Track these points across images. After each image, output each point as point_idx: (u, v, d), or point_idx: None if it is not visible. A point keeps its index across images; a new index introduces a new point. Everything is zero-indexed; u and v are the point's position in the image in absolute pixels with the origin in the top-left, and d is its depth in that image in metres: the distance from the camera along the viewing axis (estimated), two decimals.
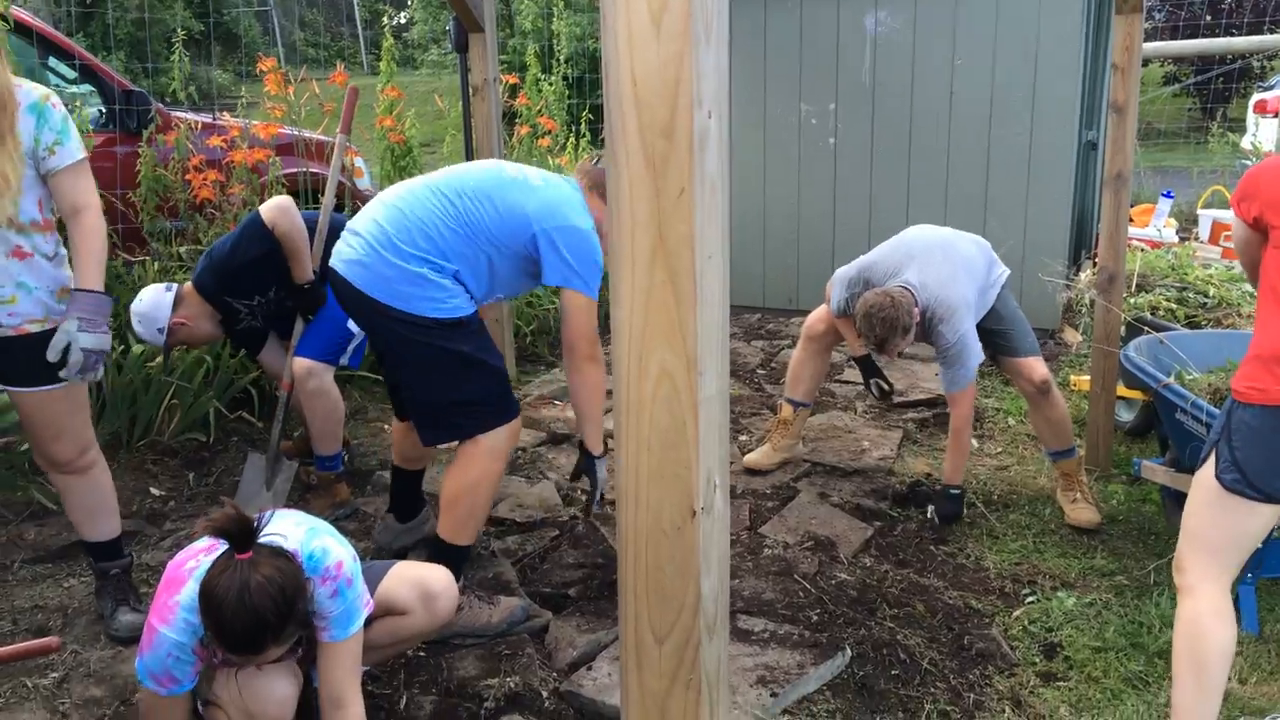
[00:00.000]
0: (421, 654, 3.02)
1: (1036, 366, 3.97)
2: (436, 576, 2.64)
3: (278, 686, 2.28)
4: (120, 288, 4.46)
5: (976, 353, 3.82)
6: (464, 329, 2.93)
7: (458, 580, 3.01)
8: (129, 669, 2.91)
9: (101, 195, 4.39)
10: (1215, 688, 2.36)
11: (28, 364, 2.81)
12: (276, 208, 3.72)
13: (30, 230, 2.79)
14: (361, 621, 2.31)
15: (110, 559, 3.16)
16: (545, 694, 2.85)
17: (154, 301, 3.77)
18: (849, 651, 3.03)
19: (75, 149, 2.80)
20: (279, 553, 2.10)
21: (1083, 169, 6.60)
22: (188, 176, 4.74)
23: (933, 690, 2.91)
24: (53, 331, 2.80)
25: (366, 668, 2.67)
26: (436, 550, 3.08)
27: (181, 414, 4.34)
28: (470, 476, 2.98)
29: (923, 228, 4.18)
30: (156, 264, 4.60)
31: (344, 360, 3.97)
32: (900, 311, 3.68)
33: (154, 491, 4.09)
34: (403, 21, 29.93)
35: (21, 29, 4.57)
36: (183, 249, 4.73)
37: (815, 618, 3.22)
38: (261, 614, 1.99)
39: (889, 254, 4.03)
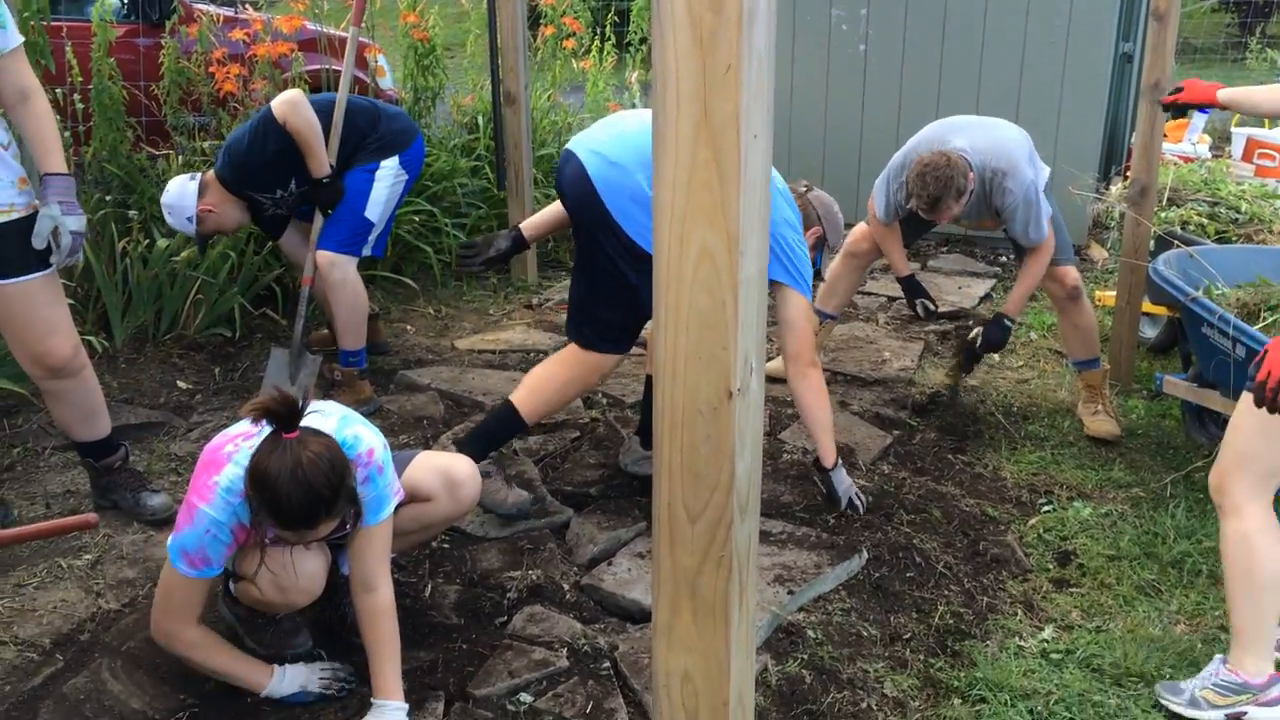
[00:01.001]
0: (445, 546, 3.09)
1: (1070, 271, 3.95)
2: (460, 465, 2.68)
3: (308, 562, 2.34)
4: (144, 181, 4.45)
5: (1045, 207, 3.78)
6: (648, 265, 2.94)
7: (491, 449, 3.16)
8: (160, 552, 2.98)
9: (124, 87, 4.40)
10: (1272, 606, 2.36)
11: (3, 254, 2.75)
12: (287, 103, 3.69)
13: None
14: (392, 508, 2.35)
15: (111, 453, 3.17)
16: (566, 587, 2.91)
17: (180, 191, 3.77)
18: (865, 554, 3.08)
19: (14, 34, 2.73)
20: (321, 433, 2.14)
21: (1117, 82, 6.45)
22: (211, 70, 4.69)
23: (946, 592, 2.95)
24: (21, 220, 2.76)
25: (393, 555, 2.73)
26: (498, 410, 3.20)
27: (207, 309, 4.37)
28: (567, 373, 3.11)
29: (958, 116, 4.13)
30: (180, 158, 4.58)
31: (366, 250, 3.97)
32: (955, 171, 3.63)
33: (180, 385, 4.13)
34: None
35: None
36: (206, 144, 4.70)
37: (832, 521, 3.26)
38: (315, 488, 2.03)
39: (929, 135, 3.96)
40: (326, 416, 2.28)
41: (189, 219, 3.77)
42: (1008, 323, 4.00)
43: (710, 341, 1.20)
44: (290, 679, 2.37)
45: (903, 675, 2.61)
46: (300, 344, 3.99)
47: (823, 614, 2.83)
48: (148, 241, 4.24)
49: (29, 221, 2.76)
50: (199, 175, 3.83)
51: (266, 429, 2.12)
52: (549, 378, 3.13)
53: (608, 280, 3.01)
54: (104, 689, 2.41)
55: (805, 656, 2.62)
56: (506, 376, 4.40)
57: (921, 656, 2.69)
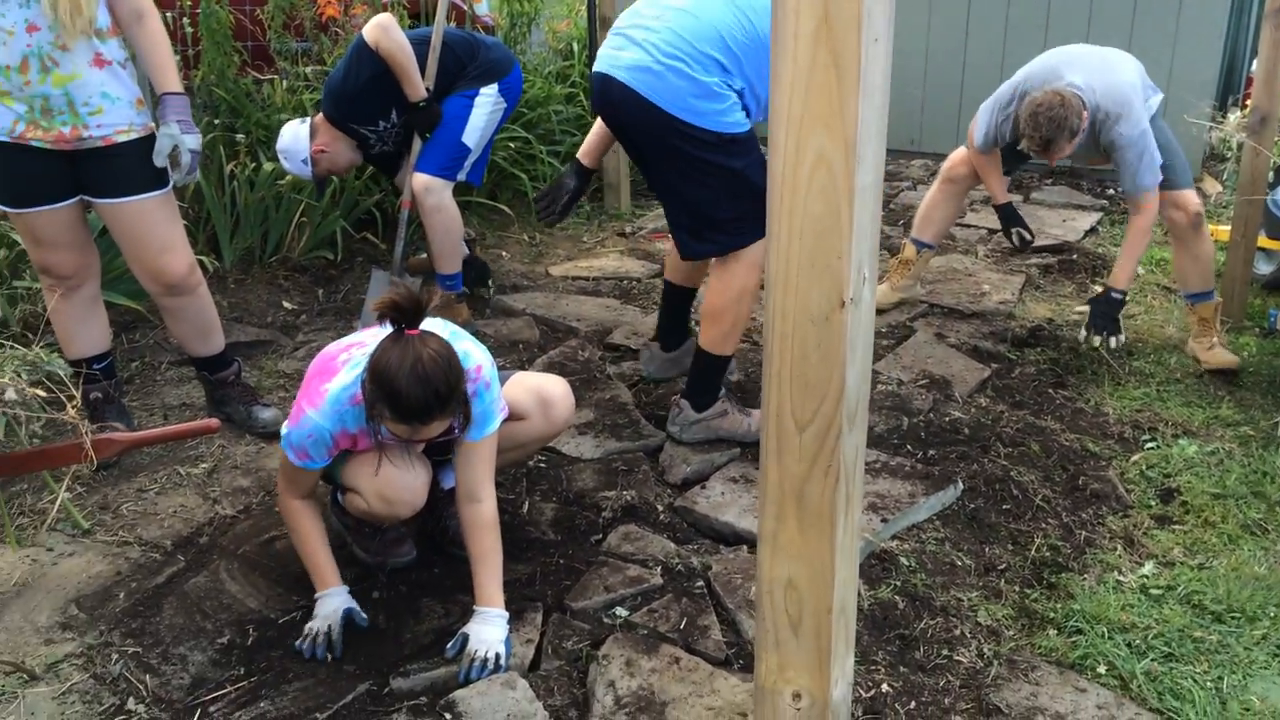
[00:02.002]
0: (542, 465, 3.15)
1: (1191, 198, 3.81)
2: (554, 385, 2.72)
3: (413, 473, 2.41)
4: (251, 105, 4.54)
5: (1157, 154, 3.66)
6: (742, 145, 2.93)
7: (718, 390, 3.19)
8: (272, 464, 3.10)
9: (231, 11, 4.47)
10: None
11: (123, 173, 2.85)
12: (377, 26, 3.71)
13: (107, 36, 2.79)
14: (497, 424, 2.42)
15: (225, 368, 3.29)
16: (660, 508, 2.95)
17: (293, 135, 3.85)
18: (961, 485, 3.05)
19: None
20: (439, 335, 2.21)
21: (1237, 6, 6.14)
22: None
23: (1044, 526, 2.92)
24: (139, 140, 2.85)
25: None
26: (699, 360, 3.19)
27: (310, 232, 4.47)
28: (733, 289, 3.05)
29: (1071, 45, 3.98)
30: (284, 82, 4.66)
31: (461, 176, 4.01)
32: (1070, 111, 3.53)
33: (286, 305, 4.25)
34: None
35: None
36: (308, 69, 4.77)
37: (927, 452, 3.23)
38: (434, 383, 2.09)
39: (1041, 67, 3.83)
40: (439, 330, 2.34)
41: (304, 161, 3.85)
42: (1115, 295, 3.85)
43: (824, 250, 1.19)
44: (322, 606, 2.38)
45: (997, 605, 2.60)
46: (400, 265, 4.06)
47: (916, 543, 2.82)
48: (254, 165, 4.34)
49: (147, 142, 2.86)
50: (309, 119, 3.90)
51: (381, 338, 2.18)
52: (719, 306, 3.09)
53: (711, 179, 2.93)
54: (222, 588, 2.53)
55: (898, 583, 2.62)
56: (600, 303, 4.43)
57: (1017, 587, 2.67)
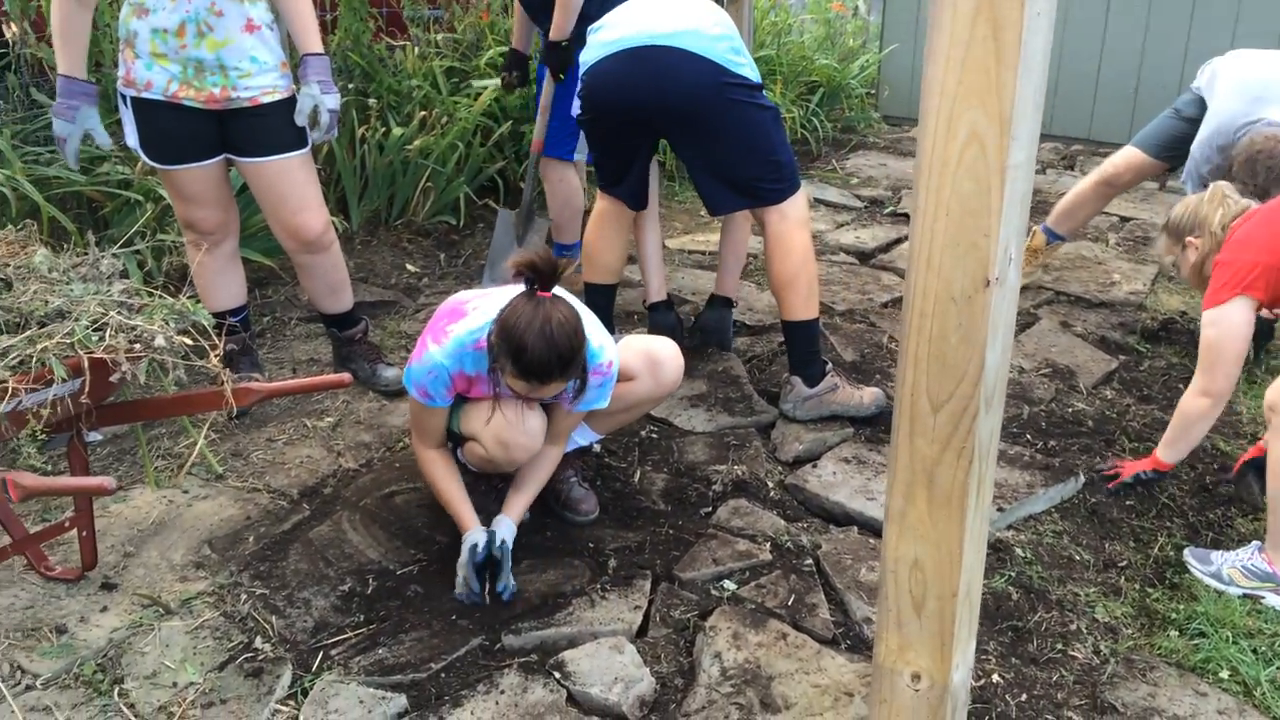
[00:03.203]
0: (654, 436, 3.17)
1: None
2: (663, 345, 2.74)
3: (531, 418, 2.47)
4: (383, 70, 4.64)
5: None
6: (764, 94, 3.08)
7: (819, 361, 3.20)
8: (394, 420, 3.19)
9: None
10: None
11: (267, 133, 2.95)
12: None
13: (256, 0, 2.88)
14: (599, 406, 2.54)
15: (353, 326, 3.38)
16: (770, 484, 2.94)
17: None
18: (1081, 477, 2.98)
19: None
20: (569, 302, 2.26)
21: None
22: None
23: (1168, 524, 2.83)
24: (283, 102, 2.95)
25: (600, 436, 2.83)
26: (792, 332, 3.20)
27: (435, 197, 4.56)
28: (797, 251, 3.09)
29: (1245, 58, 3.75)
30: (415, 49, 4.75)
31: (580, 156, 4.03)
32: None
33: (409, 268, 4.35)
34: None
35: None
36: (439, 36, 4.85)
37: (1048, 443, 3.16)
38: (558, 346, 2.15)
39: (1229, 101, 3.62)
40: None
41: None
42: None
43: (970, 228, 1.17)
44: (469, 537, 2.45)
45: (1116, 602, 2.53)
46: (529, 206, 4.10)
47: (1033, 534, 2.76)
48: (384, 129, 4.44)
49: (289, 103, 2.96)
50: None
51: (513, 292, 2.25)
52: (790, 272, 3.10)
53: (761, 125, 3.02)
54: (344, 538, 2.62)
55: (1013, 574, 2.57)
56: (711, 277, 4.42)
57: (1137, 585, 2.60)
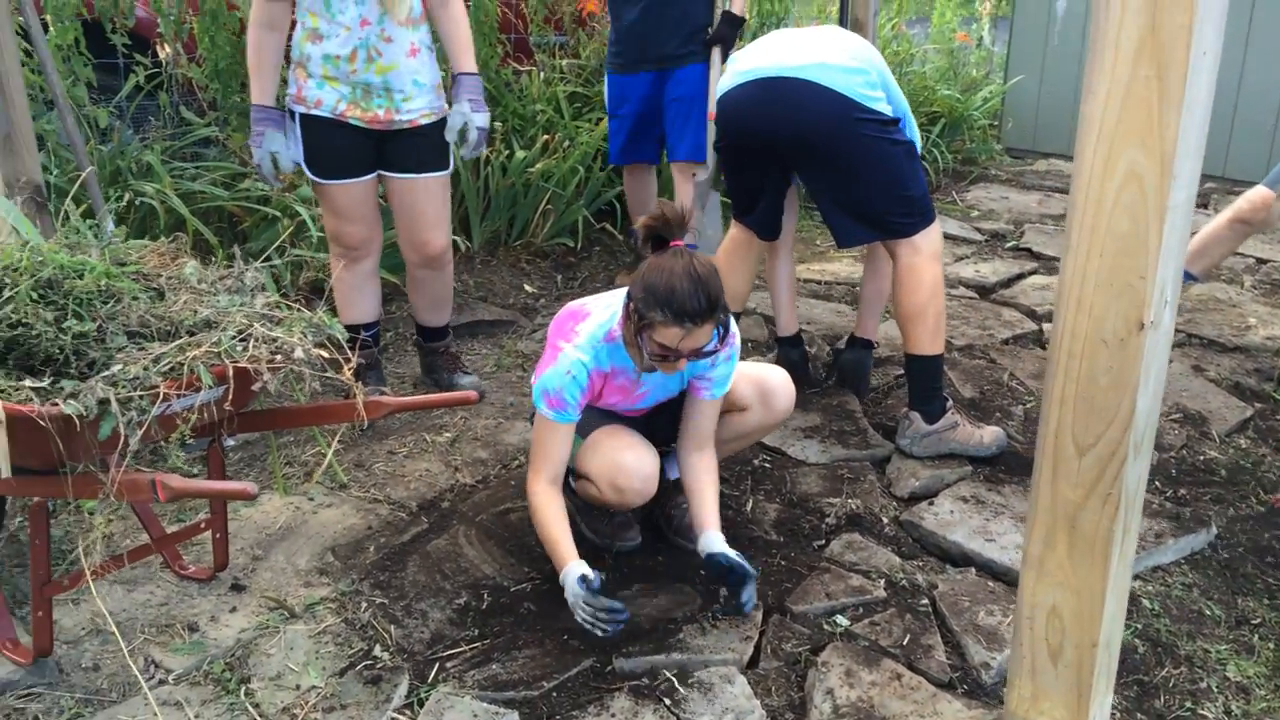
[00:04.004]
0: (767, 465, 3.15)
1: None
2: (775, 374, 2.73)
3: (645, 461, 2.47)
4: (508, 95, 4.75)
5: None
6: (900, 129, 3.06)
7: (940, 397, 3.16)
8: (510, 438, 3.24)
9: (497, 5, 4.68)
10: None
11: (420, 151, 3.12)
12: None
13: (419, 23, 3.04)
14: (728, 388, 2.53)
15: (442, 338, 3.53)
16: (885, 520, 2.90)
17: None
18: (1214, 529, 2.86)
19: None
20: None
21: None
22: None
23: None
24: (439, 122, 3.11)
25: None
26: (915, 366, 3.15)
27: (554, 219, 4.63)
28: (926, 284, 3.05)
29: None
30: (540, 75, 4.85)
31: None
32: None
33: (527, 288, 4.43)
34: None
35: None
36: (564, 61, 4.94)
37: (1178, 491, 3.04)
38: (705, 283, 2.19)
39: None
40: None
41: None
42: None
43: (1125, 269, 1.14)
44: (571, 584, 2.33)
45: (1248, 661, 2.42)
46: (714, 175, 4.15)
47: (1160, 585, 2.66)
48: (508, 152, 4.53)
49: (442, 124, 3.12)
50: None
51: (622, 292, 2.34)
52: (918, 305, 3.06)
53: (893, 159, 2.99)
54: (461, 553, 2.67)
55: (1139, 626, 2.48)
56: (831, 308, 4.39)
57: (1271, 645, 2.48)
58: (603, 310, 2.40)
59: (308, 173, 3.09)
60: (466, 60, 3.11)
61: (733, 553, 2.40)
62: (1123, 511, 1.22)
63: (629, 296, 2.29)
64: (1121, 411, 1.18)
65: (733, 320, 2.47)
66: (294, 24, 3.00)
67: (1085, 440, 1.21)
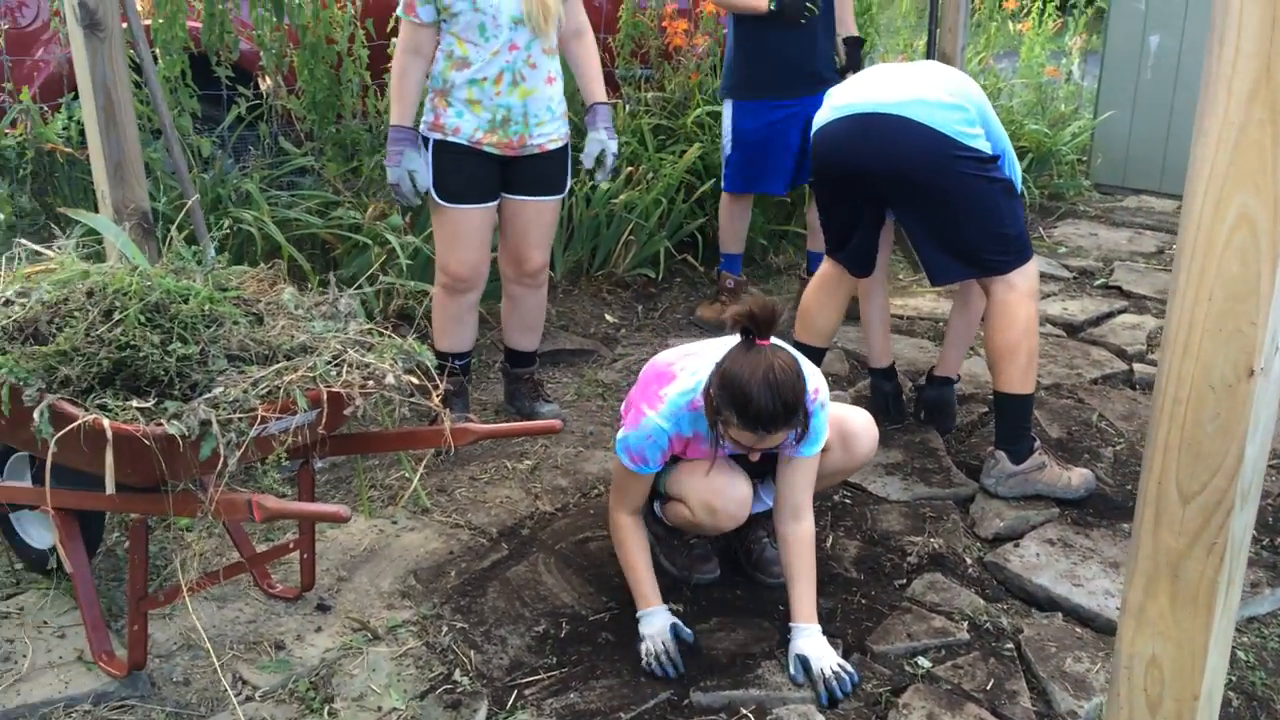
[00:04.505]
0: (847, 501, 3.12)
1: None
2: (856, 417, 2.70)
3: (739, 485, 2.48)
4: None
5: None
6: (999, 166, 3.03)
7: (1028, 436, 3.10)
8: (589, 467, 3.26)
9: None
10: None
11: (543, 175, 3.22)
12: None
13: (554, 53, 3.16)
14: (821, 445, 2.45)
15: (529, 365, 3.58)
16: (969, 561, 2.85)
17: None
18: None
19: None
20: (787, 348, 2.28)
21: None
22: (664, 24, 4.97)
23: None
24: (561, 148, 3.24)
25: None
26: (1004, 406, 3.11)
27: (636, 250, 4.67)
28: (1020, 322, 3.02)
29: None
30: (626, 107, 4.90)
31: (741, 187, 4.30)
32: None
33: (608, 318, 4.46)
34: None
35: None
36: (649, 94, 4.99)
37: (1275, 540, 2.94)
38: (783, 392, 2.16)
39: None
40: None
41: None
42: None
43: (1235, 314, 1.12)
44: (647, 625, 2.41)
45: None
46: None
47: (1256, 636, 2.57)
48: (592, 183, 4.58)
49: (565, 149, 3.27)
50: None
51: (713, 351, 2.30)
52: (1011, 343, 3.01)
53: (991, 196, 2.96)
54: (540, 580, 2.69)
55: (1233, 678, 2.40)
56: (913, 343, 4.35)
57: None
58: (688, 377, 2.39)
59: (435, 197, 3.15)
60: (600, 89, 3.28)
61: (828, 662, 2.32)
62: (1228, 562, 1.19)
63: (709, 383, 2.28)
64: (1229, 460, 1.16)
65: (818, 373, 2.46)
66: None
67: (1190, 488, 1.18)
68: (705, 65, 5.14)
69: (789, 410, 2.18)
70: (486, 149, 3.12)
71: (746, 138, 4.18)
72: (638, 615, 2.44)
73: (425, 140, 3.14)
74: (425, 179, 3.13)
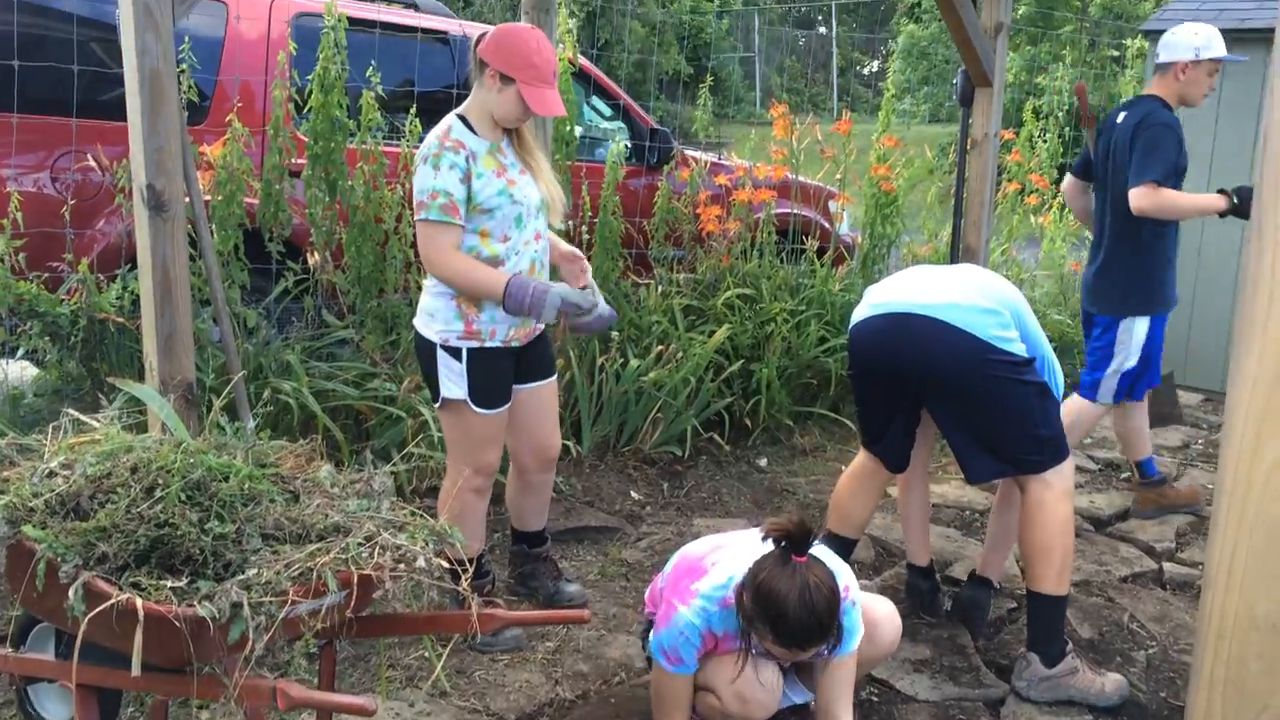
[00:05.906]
0: (874, 699, 3.05)
1: None
2: (881, 607, 2.68)
3: (769, 674, 2.44)
4: (626, 306, 4.93)
5: None
6: (1034, 369, 3.06)
7: (1061, 639, 3.05)
8: (612, 651, 3.21)
9: (622, 223, 4.93)
10: None
11: (545, 356, 3.24)
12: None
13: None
14: (857, 642, 2.42)
15: (543, 543, 3.51)
16: None
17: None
18: None
19: None
20: (823, 561, 2.27)
21: None
22: (698, 210, 5.15)
23: None
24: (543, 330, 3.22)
25: (813, 694, 2.75)
26: (1037, 606, 3.05)
27: (663, 427, 4.70)
28: (1056, 522, 3.00)
29: None
30: (659, 287, 5.03)
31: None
32: None
33: (633, 495, 4.46)
34: (874, 70, 30.55)
35: (578, 73, 5.18)
36: (681, 276, 5.13)
37: None
38: (818, 612, 2.16)
39: None
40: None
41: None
42: None
43: (1277, 555, 1.13)
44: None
45: None
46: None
47: None
48: (623, 360, 4.66)
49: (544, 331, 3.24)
50: None
51: (743, 541, 2.30)
52: (1046, 542, 2.99)
53: (1027, 399, 2.97)
54: None
55: None
56: (939, 532, 4.31)
57: None
58: (720, 574, 2.40)
59: (474, 408, 3.00)
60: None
61: None
62: None
63: (741, 590, 2.28)
64: (1274, 702, 1.14)
65: (847, 570, 2.46)
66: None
67: None
68: (736, 250, 5.30)
69: (824, 630, 2.19)
70: (514, 344, 3.07)
71: (1157, 348, 4.27)
72: None
73: (456, 351, 2.97)
74: (571, 297, 2.92)
